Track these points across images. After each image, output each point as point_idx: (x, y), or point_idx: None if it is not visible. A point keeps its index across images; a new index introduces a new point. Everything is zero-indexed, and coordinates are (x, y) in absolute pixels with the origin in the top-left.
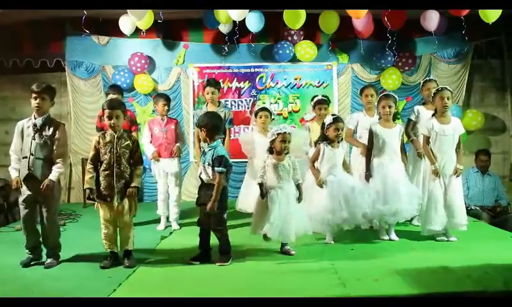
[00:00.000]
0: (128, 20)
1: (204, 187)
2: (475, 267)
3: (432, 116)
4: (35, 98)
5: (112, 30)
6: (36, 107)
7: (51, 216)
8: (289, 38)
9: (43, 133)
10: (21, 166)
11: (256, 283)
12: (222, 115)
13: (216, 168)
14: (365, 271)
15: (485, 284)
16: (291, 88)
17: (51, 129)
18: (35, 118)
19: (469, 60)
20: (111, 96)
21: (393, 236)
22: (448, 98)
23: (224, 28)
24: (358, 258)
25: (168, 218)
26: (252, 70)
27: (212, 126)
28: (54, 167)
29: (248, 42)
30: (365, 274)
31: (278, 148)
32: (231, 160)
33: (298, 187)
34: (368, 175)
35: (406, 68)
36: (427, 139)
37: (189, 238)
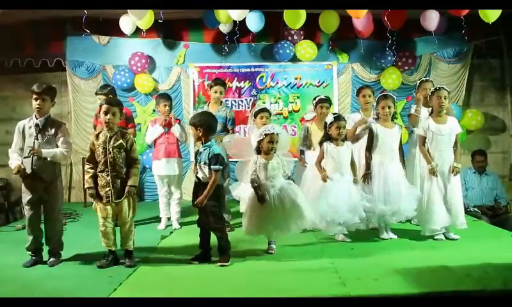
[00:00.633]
0: (128, 20)
1: (200, 187)
2: (474, 266)
3: (429, 115)
4: (36, 99)
5: (113, 30)
6: (37, 108)
7: (56, 215)
8: (289, 38)
9: (46, 133)
10: (24, 166)
11: (256, 282)
12: (224, 115)
13: (212, 166)
14: (365, 270)
15: (485, 283)
16: (291, 88)
17: (53, 129)
18: (36, 118)
19: (469, 60)
20: (99, 97)
21: (391, 234)
22: (445, 98)
23: (224, 28)
24: (358, 257)
25: (169, 218)
26: (252, 70)
27: (208, 126)
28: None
29: (248, 42)
30: (365, 273)
31: (266, 148)
32: (231, 160)
33: (289, 178)
34: (368, 175)
35: (406, 67)
36: (423, 140)
37: (190, 237)
